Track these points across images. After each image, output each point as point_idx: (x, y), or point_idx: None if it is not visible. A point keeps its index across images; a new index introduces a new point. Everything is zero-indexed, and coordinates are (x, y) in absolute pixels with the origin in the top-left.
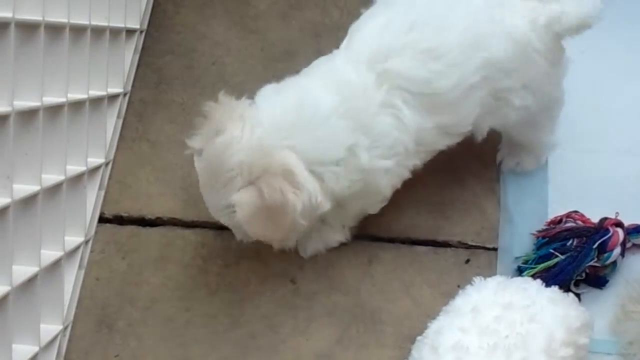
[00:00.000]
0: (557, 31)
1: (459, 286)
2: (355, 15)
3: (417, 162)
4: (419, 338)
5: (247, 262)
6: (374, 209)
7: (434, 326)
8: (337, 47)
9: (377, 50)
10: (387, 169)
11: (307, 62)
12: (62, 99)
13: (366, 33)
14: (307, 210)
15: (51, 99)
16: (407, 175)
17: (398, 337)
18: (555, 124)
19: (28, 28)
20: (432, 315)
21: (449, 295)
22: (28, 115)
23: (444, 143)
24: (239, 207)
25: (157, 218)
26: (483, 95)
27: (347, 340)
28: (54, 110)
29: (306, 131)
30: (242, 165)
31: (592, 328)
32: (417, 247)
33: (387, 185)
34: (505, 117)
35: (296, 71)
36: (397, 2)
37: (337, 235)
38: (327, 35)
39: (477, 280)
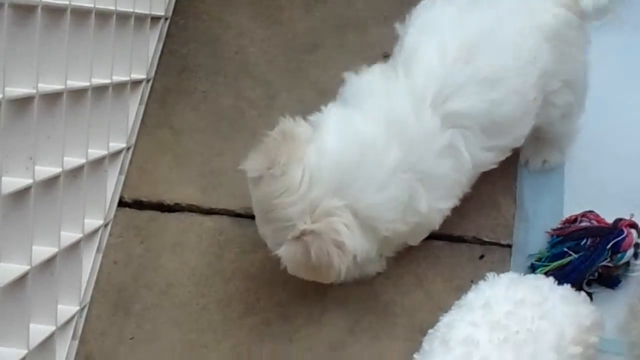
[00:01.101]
0: (587, 17)
1: (472, 281)
2: (378, 10)
3: (468, 190)
4: (430, 331)
5: (264, 250)
6: (416, 242)
7: (445, 320)
8: (359, 41)
9: (440, 89)
10: (443, 209)
11: (330, 55)
12: (85, 83)
13: (425, 64)
14: (352, 266)
15: (75, 83)
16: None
17: (410, 329)
18: (583, 110)
19: (54, 12)
20: (445, 308)
21: (462, 289)
22: (52, 98)
23: (497, 161)
24: (285, 260)
25: (176, 204)
26: (538, 105)
27: (359, 331)
28: (78, 94)
29: (368, 192)
30: (295, 220)
31: (602, 327)
32: (432, 241)
33: (439, 221)
34: (548, 117)
35: (318, 63)
36: (442, 23)
37: (375, 266)
38: (350, 28)
39: (490, 276)
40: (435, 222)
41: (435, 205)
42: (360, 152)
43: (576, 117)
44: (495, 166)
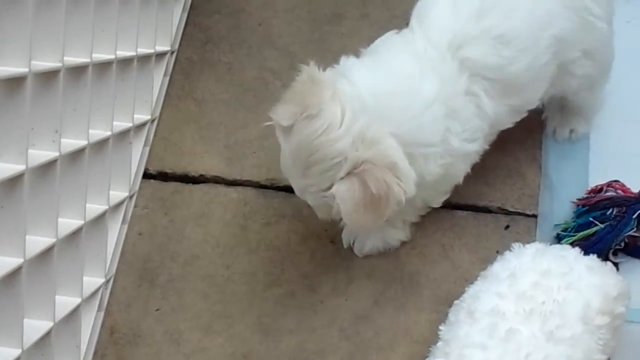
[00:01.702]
0: None
1: (497, 252)
2: None
3: (486, 146)
4: (456, 302)
5: (288, 221)
6: (438, 201)
7: (471, 290)
8: (383, 12)
9: (453, 37)
10: (469, 153)
11: (353, 26)
12: (110, 56)
13: (438, 18)
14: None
15: (100, 56)
16: (477, 159)
17: (435, 300)
18: (608, 80)
19: None
20: (470, 279)
21: (488, 260)
22: (78, 71)
23: (512, 121)
24: (341, 199)
25: (201, 175)
26: (552, 71)
27: (384, 301)
28: (103, 66)
29: (410, 118)
30: (345, 154)
31: (629, 297)
32: (457, 211)
33: (465, 169)
34: (567, 86)
35: (341, 34)
36: None
37: (399, 234)
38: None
39: (516, 246)
40: (461, 169)
41: (465, 146)
42: (397, 82)
43: (600, 87)
44: (510, 125)
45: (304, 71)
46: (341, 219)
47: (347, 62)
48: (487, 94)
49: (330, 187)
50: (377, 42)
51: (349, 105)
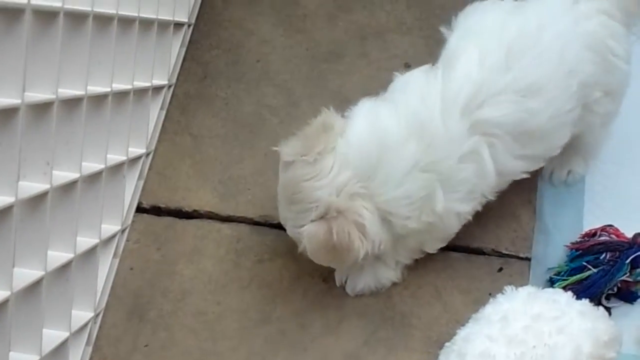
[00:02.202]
0: (630, 22)
1: (490, 294)
2: (400, 21)
3: (491, 198)
4: (447, 344)
5: (281, 259)
6: (433, 247)
7: (462, 333)
8: (382, 51)
9: (474, 94)
10: (460, 213)
11: (352, 65)
12: (106, 89)
13: (463, 69)
14: (369, 253)
15: (96, 88)
16: (477, 209)
17: (426, 341)
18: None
19: (76, 18)
20: (462, 321)
21: (480, 302)
22: (72, 103)
23: (528, 170)
24: (307, 238)
25: (194, 211)
26: (576, 114)
27: (375, 342)
28: (98, 99)
29: (387, 186)
30: (321, 202)
31: (620, 342)
32: (451, 253)
33: (458, 225)
34: (586, 124)
35: (340, 72)
36: (485, 26)
37: (391, 274)
38: (372, 38)
39: (508, 289)
40: (452, 226)
41: (452, 207)
42: (380, 145)
43: (610, 125)
44: (527, 175)
45: (321, 115)
46: None
47: (356, 109)
48: (494, 152)
49: (303, 226)
50: (403, 79)
51: (338, 159)
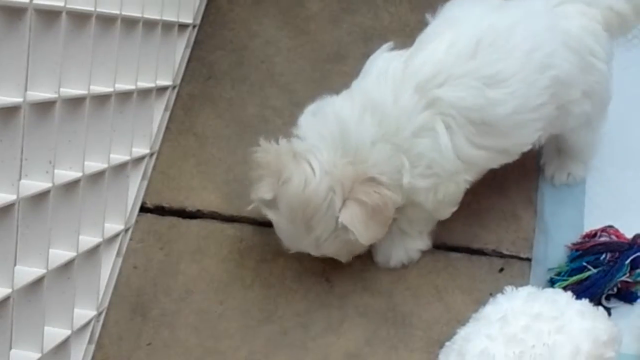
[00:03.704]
0: (613, 31)
1: (491, 294)
2: (404, 22)
3: (468, 177)
4: (447, 343)
5: (284, 258)
6: (444, 213)
7: (462, 332)
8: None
9: (435, 74)
10: (427, 188)
11: (356, 65)
12: (109, 89)
13: (430, 52)
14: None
15: (98, 88)
16: (461, 189)
17: (427, 341)
18: (605, 121)
19: (79, 18)
20: (463, 321)
21: (481, 302)
22: (74, 102)
23: (500, 162)
24: (350, 224)
25: (198, 210)
26: (549, 112)
27: (376, 341)
28: (101, 99)
29: (361, 156)
30: (333, 189)
31: (619, 342)
32: (452, 253)
33: (432, 201)
34: (563, 125)
35: (344, 73)
36: (464, 17)
37: (418, 243)
38: (376, 40)
39: (508, 289)
40: (424, 202)
41: (416, 182)
42: (340, 124)
43: (597, 127)
44: (496, 166)
45: (259, 150)
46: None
47: (303, 115)
48: (450, 132)
49: (337, 224)
50: (369, 60)
51: (311, 158)
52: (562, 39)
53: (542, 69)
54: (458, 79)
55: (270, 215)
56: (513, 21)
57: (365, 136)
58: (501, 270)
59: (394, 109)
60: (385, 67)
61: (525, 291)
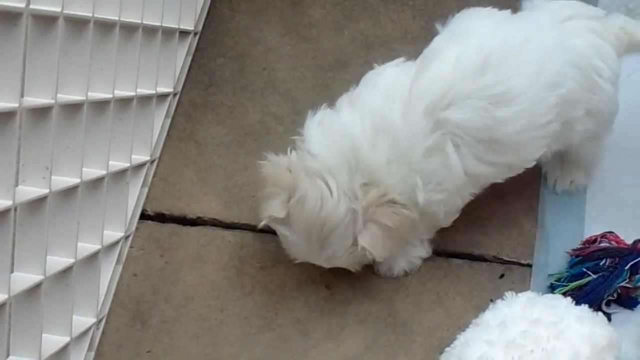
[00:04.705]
0: (623, 50)
1: (491, 300)
2: (406, 30)
3: (473, 190)
4: (446, 349)
5: (284, 265)
6: (447, 221)
7: (462, 338)
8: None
9: (443, 95)
10: (440, 200)
11: (357, 73)
12: (108, 95)
13: (437, 69)
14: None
15: (97, 94)
16: (465, 201)
17: (428, 347)
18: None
19: (77, 23)
20: (463, 327)
21: (482, 308)
22: (72, 108)
23: (505, 177)
24: (370, 246)
25: (198, 217)
26: (554, 129)
27: (377, 348)
28: (100, 105)
29: (378, 176)
30: (354, 210)
31: (618, 348)
32: (453, 259)
33: (443, 211)
34: (568, 141)
35: (345, 80)
36: (472, 31)
37: (419, 251)
38: (378, 47)
39: (508, 295)
40: (438, 214)
41: (431, 197)
42: (352, 142)
43: (602, 140)
44: (500, 181)
45: (267, 164)
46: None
47: (306, 124)
48: (458, 151)
49: (353, 242)
50: (371, 75)
51: (327, 176)
52: (570, 57)
53: (551, 87)
54: (465, 100)
55: (282, 231)
56: (522, 37)
57: (380, 157)
58: (502, 276)
59: (405, 131)
60: (392, 84)
61: (524, 297)
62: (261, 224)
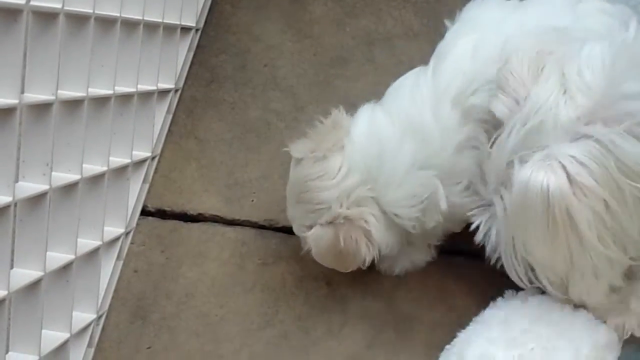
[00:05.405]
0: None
1: (492, 298)
2: (408, 26)
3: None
4: (447, 347)
5: (285, 262)
6: (458, 228)
7: (462, 336)
8: (389, 57)
9: (467, 85)
10: (464, 205)
11: (358, 70)
12: (109, 91)
13: (455, 60)
14: (376, 258)
15: (98, 91)
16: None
17: (428, 345)
18: None
19: (77, 20)
20: (464, 325)
21: (483, 306)
22: (72, 105)
23: None
24: (314, 241)
25: (199, 214)
26: None
27: (378, 345)
28: (100, 101)
29: (390, 187)
30: (329, 204)
31: (619, 345)
32: (455, 257)
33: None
34: None
35: (346, 77)
36: (486, 19)
37: (423, 255)
38: (379, 44)
39: (509, 292)
40: (464, 216)
41: (455, 201)
42: (379, 147)
43: None
44: None
45: (332, 115)
46: None
47: (358, 112)
48: (490, 135)
49: (310, 226)
50: (397, 81)
51: (346, 161)
52: (584, 37)
53: None
54: (489, 84)
55: (291, 166)
56: (537, 20)
57: (401, 164)
58: (503, 274)
59: (437, 129)
60: (416, 84)
61: (525, 295)
62: (285, 148)
